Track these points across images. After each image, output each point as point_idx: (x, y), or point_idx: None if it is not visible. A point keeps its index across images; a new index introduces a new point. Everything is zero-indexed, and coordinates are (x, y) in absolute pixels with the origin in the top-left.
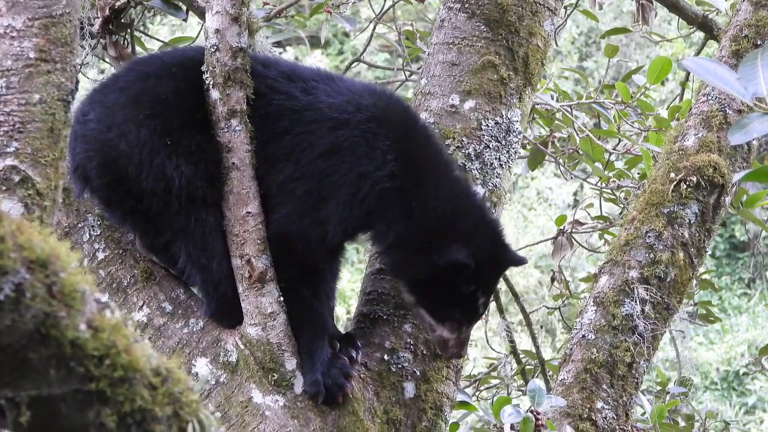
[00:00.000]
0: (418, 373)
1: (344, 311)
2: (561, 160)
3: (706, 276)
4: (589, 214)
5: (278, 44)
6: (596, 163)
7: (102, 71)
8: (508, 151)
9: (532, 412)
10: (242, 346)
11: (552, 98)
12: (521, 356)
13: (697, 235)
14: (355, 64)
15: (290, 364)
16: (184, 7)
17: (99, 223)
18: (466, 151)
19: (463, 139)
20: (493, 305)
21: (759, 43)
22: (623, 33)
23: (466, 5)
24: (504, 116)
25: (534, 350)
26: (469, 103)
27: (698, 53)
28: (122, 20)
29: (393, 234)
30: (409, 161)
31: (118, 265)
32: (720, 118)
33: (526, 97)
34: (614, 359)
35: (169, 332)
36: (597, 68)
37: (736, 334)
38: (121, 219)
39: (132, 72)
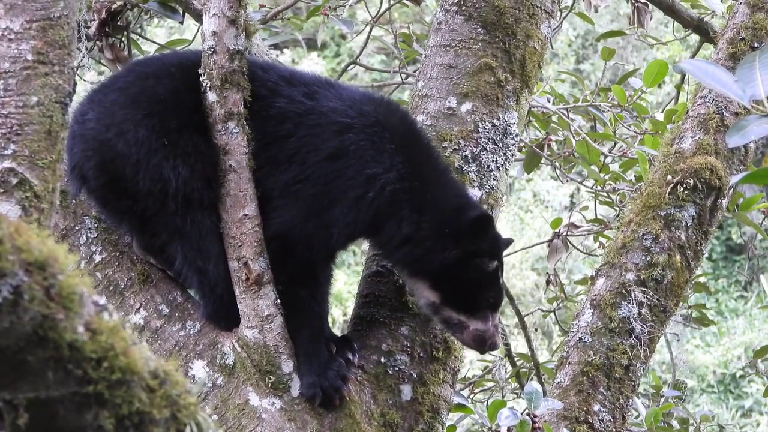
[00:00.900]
0: (415, 376)
1: (341, 313)
2: (557, 163)
3: (702, 279)
4: (584, 217)
5: (275, 47)
6: (592, 166)
7: (101, 73)
8: (505, 154)
9: (529, 414)
10: (239, 349)
11: (548, 101)
12: (516, 359)
13: (693, 237)
14: (352, 66)
15: (287, 366)
16: (181, 10)
17: (96, 225)
18: (463, 154)
19: (460, 141)
20: None
21: (756, 45)
22: (619, 36)
23: (463, 8)
24: (501, 119)
25: (529, 353)
26: (466, 106)
27: (694, 56)
28: (119, 23)
29: (405, 231)
30: (413, 162)
31: (115, 268)
32: (717, 120)
33: (523, 100)
34: (611, 362)
35: (166, 335)
36: (593, 71)
37: (732, 337)
38: (117, 219)
39: (132, 73)
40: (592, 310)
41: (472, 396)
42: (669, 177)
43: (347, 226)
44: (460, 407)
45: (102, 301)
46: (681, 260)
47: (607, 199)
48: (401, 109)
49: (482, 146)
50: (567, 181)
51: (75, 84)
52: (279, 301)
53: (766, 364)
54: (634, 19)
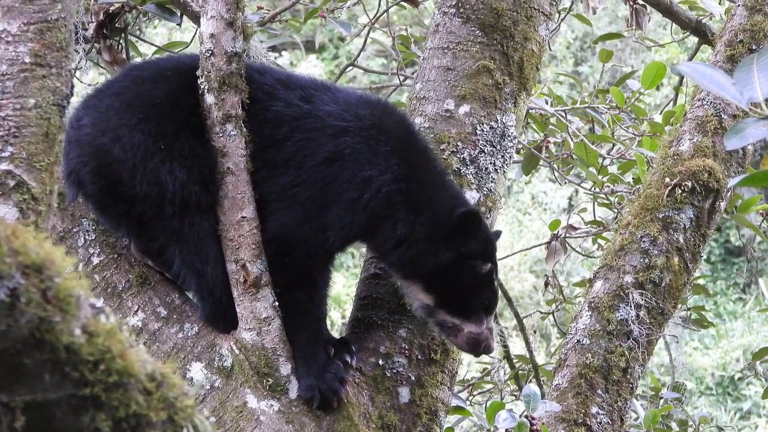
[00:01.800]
0: (413, 378)
1: (339, 316)
2: (555, 165)
3: (700, 281)
4: (583, 219)
5: (273, 49)
6: (590, 168)
7: (102, 74)
8: (503, 156)
9: (527, 417)
10: (237, 351)
11: (546, 103)
12: (515, 361)
13: (692, 240)
14: (350, 68)
15: (285, 368)
16: (179, 12)
17: (94, 227)
18: (461, 156)
19: (458, 143)
20: None
21: (754, 47)
22: (617, 38)
23: (461, 10)
24: (499, 121)
25: (528, 355)
26: (464, 108)
27: (692, 58)
28: (116, 25)
29: (400, 232)
30: (410, 164)
31: (113, 270)
32: (715, 122)
33: (521, 102)
34: (609, 364)
35: (163, 337)
36: (592, 73)
37: (731, 339)
38: (115, 224)
39: (127, 77)
40: (590, 313)
41: (470, 398)
42: (667, 179)
43: (343, 229)
44: (458, 409)
45: (99, 303)
46: (679, 262)
47: (606, 201)
48: (398, 112)
49: (480, 148)
50: (565, 183)
51: (72, 86)
52: (277, 303)
53: (765, 367)
54: (632, 21)
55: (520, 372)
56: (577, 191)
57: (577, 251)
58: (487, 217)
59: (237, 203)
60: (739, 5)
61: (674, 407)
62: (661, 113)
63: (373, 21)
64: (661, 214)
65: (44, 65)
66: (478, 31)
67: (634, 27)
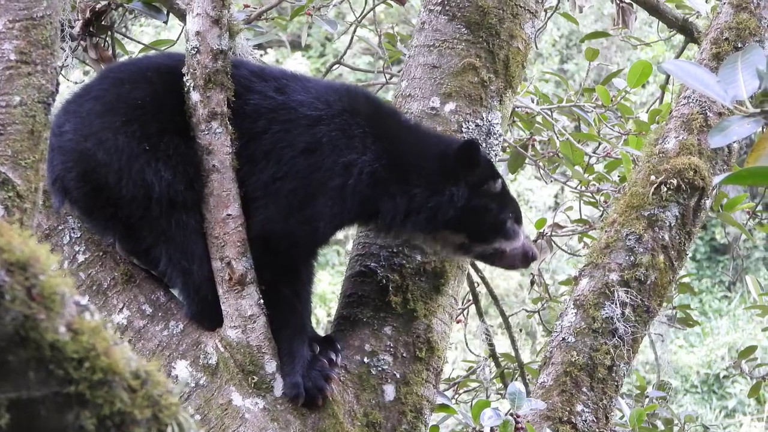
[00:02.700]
0: (398, 376)
1: (324, 313)
2: (541, 163)
3: (686, 279)
4: (569, 217)
5: (259, 46)
6: (576, 167)
7: (87, 72)
8: (488, 154)
9: (512, 415)
10: (222, 349)
11: (532, 101)
12: (500, 359)
13: (677, 237)
14: (336, 66)
15: (270, 366)
16: (165, 10)
17: (79, 225)
18: None
19: None
20: (472, 308)
21: (739, 45)
22: (603, 36)
23: (447, 8)
24: (484, 119)
25: (513, 353)
26: (450, 106)
27: (678, 56)
28: (103, 22)
29: (403, 205)
30: (385, 137)
31: (98, 268)
32: (700, 121)
33: (507, 100)
34: (594, 362)
35: (149, 335)
36: (578, 71)
37: (716, 337)
38: (102, 227)
39: (106, 80)
40: (575, 311)
41: (456, 396)
42: (653, 177)
43: (334, 218)
44: (443, 407)
45: (84, 301)
46: (664, 260)
47: (591, 200)
48: (362, 91)
49: None
50: (551, 181)
51: (58, 84)
52: (262, 301)
53: (751, 365)
54: (618, 20)
55: (505, 370)
56: (563, 189)
57: (562, 249)
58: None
59: (222, 201)
60: (724, 3)
61: (659, 405)
62: (647, 111)
63: (359, 19)
64: (646, 212)
65: (29, 63)
66: (464, 29)
67: (620, 25)
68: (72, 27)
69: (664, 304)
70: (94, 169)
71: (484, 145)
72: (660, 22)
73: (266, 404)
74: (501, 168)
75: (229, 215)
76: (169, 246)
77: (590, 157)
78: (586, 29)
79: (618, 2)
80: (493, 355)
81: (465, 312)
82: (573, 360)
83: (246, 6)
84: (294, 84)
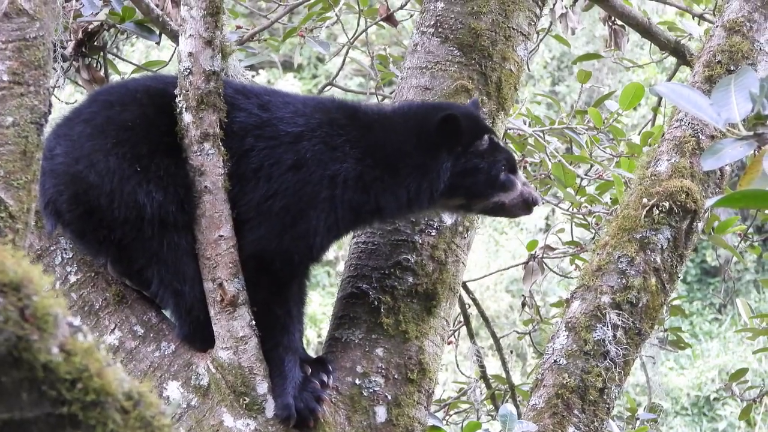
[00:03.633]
0: (390, 398)
1: (315, 335)
2: (533, 185)
3: (677, 302)
4: (560, 239)
5: (251, 67)
6: (568, 189)
7: (78, 91)
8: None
9: None
10: (214, 370)
11: (524, 123)
12: (491, 381)
13: (669, 260)
14: (329, 87)
15: (262, 387)
16: (158, 31)
17: (71, 246)
18: None
19: None
20: (463, 329)
21: (732, 68)
22: (595, 58)
23: (440, 30)
24: None
25: (504, 375)
26: None
27: (670, 79)
28: (95, 43)
29: (402, 198)
30: (362, 138)
31: (90, 288)
32: (693, 143)
33: (499, 122)
34: (586, 384)
35: (140, 355)
36: (569, 93)
37: (707, 360)
38: (94, 249)
39: (95, 102)
40: (567, 333)
41: (447, 418)
42: (645, 200)
43: (330, 230)
44: (434, 429)
45: (76, 322)
46: (656, 283)
47: (583, 222)
48: (335, 100)
49: None
50: (543, 203)
51: (51, 105)
52: (254, 322)
53: (741, 387)
54: (610, 42)
55: (496, 392)
56: (554, 211)
57: (554, 271)
58: (464, 237)
59: (214, 222)
60: (717, 26)
61: (650, 428)
62: (639, 134)
63: (351, 40)
64: (638, 234)
65: (22, 83)
66: (456, 51)
67: (612, 47)
68: (64, 48)
69: (656, 326)
70: (85, 191)
71: None
72: (652, 45)
73: (258, 425)
74: None
75: (221, 236)
76: (161, 267)
77: (582, 179)
78: (578, 51)
79: (610, 24)
80: (483, 376)
81: (456, 333)
82: (564, 382)
83: (238, 27)
84: (275, 99)
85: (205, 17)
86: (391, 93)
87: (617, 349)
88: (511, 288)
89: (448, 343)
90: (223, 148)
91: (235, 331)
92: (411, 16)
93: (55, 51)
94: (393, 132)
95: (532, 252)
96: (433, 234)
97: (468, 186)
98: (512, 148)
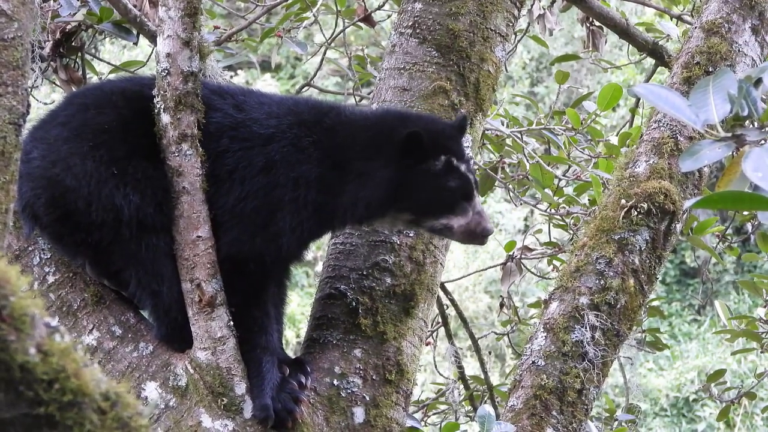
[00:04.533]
0: (368, 399)
1: (294, 335)
2: (511, 186)
3: (655, 302)
4: (538, 240)
5: (229, 68)
6: (546, 189)
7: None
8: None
9: None
10: (192, 370)
11: (502, 124)
12: (469, 382)
13: (647, 261)
14: (306, 88)
15: (240, 388)
16: (135, 31)
17: (49, 246)
18: None
19: None
20: (441, 330)
21: (710, 70)
22: (574, 59)
23: (418, 31)
24: None
25: (482, 376)
26: None
27: (648, 80)
28: (73, 43)
29: (345, 199)
30: (330, 140)
31: (68, 289)
32: (671, 144)
33: (477, 123)
34: (564, 385)
35: (118, 356)
36: (548, 94)
37: (686, 361)
38: (72, 252)
39: (71, 105)
40: (545, 334)
41: (425, 419)
42: (623, 201)
43: (294, 231)
44: (412, 430)
45: (54, 322)
46: (635, 284)
47: (561, 223)
48: (311, 101)
49: None
50: (521, 204)
51: (29, 105)
52: (232, 322)
53: (719, 388)
54: (588, 43)
55: (474, 393)
56: (532, 212)
57: (532, 272)
58: (442, 238)
59: (192, 222)
60: (696, 27)
61: (629, 429)
62: (617, 135)
63: (329, 41)
64: (616, 235)
65: (0, 84)
66: (434, 52)
67: (590, 48)
68: (42, 48)
69: (634, 327)
70: (63, 194)
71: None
72: (630, 46)
73: (236, 426)
74: None
75: (199, 237)
76: (139, 268)
77: (560, 179)
78: (556, 52)
79: (588, 25)
80: (462, 377)
81: (434, 334)
82: (543, 383)
83: (216, 27)
84: (250, 99)
85: (183, 18)
86: (369, 94)
87: (595, 350)
88: (490, 289)
89: (426, 344)
90: (201, 150)
91: (213, 332)
92: (389, 16)
93: (33, 51)
94: (352, 136)
95: (510, 253)
96: (411, 235)
97: (413, 201)
98: (490, 149)
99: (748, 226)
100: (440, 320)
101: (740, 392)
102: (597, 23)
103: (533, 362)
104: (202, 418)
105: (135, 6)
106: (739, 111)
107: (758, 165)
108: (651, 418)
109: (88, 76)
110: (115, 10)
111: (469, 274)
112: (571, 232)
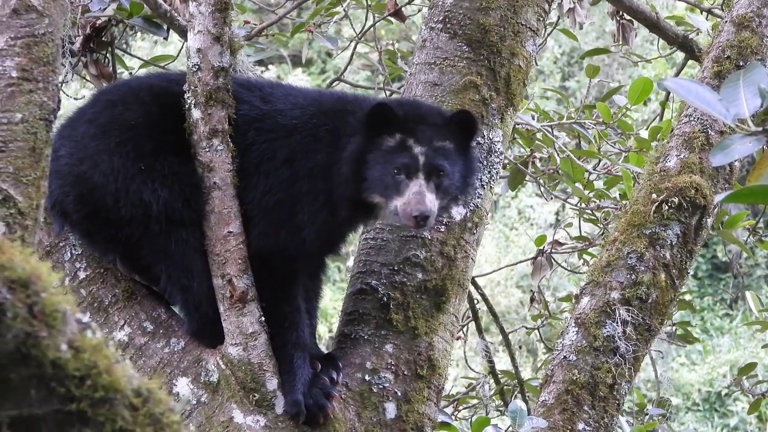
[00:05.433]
0: (399, 394)
1: (326, 330)
2: (541, 180)
3: (687, 297)
4: (569, 234)
5: (260, 63)
6: (577, 184)
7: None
8: (489, 172)
9: None
10: (223, 366)
11: (533, 118)
12: (500, 376)
13: (678, 256)
14: (337, 82)
15: (271, 384)
16: (165, 26)
17: (80, 242)
18: None
19: None
20: (472, 325)
21: (741, 64)
22: (604, 53)
23: (449, 25)
24: (485, 136)
25: (513, 370)
26: None
27: (679, 74)
28: (103, 38)
29: (337, 181)
30: (339, 127)
31: (99, 284)
32: (702, 139)
33: (508, 118)
34: (595, 380)
35: (150, 352)
36: (579, 88)
37: (718, 355)
38: (103, 249)
39: (98, 102)
40: (576, 329)
41: (456, 413)
42: (654, 195)
43: (313, 223)
44: (444, 425)
45: (85, 318)
46: (666, 279)
47: (592, 217)
48: (335, 92)
49: None
50: (551, 198)
51: (59, 101)
52: (263, 318)
53: (751, 382)
54: (619, 37)
55: (505, 387)
56: (563, 206)
57: (563, 267)
58: (473, 233)
59: (223, 218)
60: (726, 21)
61: (660, 423)
62: (647, 129)
63: (360, 36)
64: (647, 230)
65: (31, 80)
66: (465, 47)
67: (621, 42)
68: (72, 43)
69: (665, 321)
70: (91, 191)
71: (485, 162)
72: (661, 39)
73: (267, 422)
74: (501, 185)
75: (230, 232)
76: (169, 264)
77: (590, 174)
78: (587, 46)
79: (618, 19)
80: (492, 372)
81: (465, 329)
82: (574, 378)
83: (247, 22)
84: (277, 91)
85: (213, 13)
86: (399, 88)
87: (627, 345)
88: (521, 283)
89: (457, 339)
90: (231, 144)
91: (244, 327)
92: (419, 11)
93: (63, 47)
94: (357, 119)
95: (541, 247)
96: (442, 230)
97: (365, 179)
98: (521, 143)
99: None
100: (471, 315)
101: None
102: (627, 17)
103: (565, 357)
104: (233, 414)
105: (165, 1)
106: None
107: None
108: (683, 412)
109: (118, 72)
110: (145, 5)
111: (500, 269)
112: (602, 226)
